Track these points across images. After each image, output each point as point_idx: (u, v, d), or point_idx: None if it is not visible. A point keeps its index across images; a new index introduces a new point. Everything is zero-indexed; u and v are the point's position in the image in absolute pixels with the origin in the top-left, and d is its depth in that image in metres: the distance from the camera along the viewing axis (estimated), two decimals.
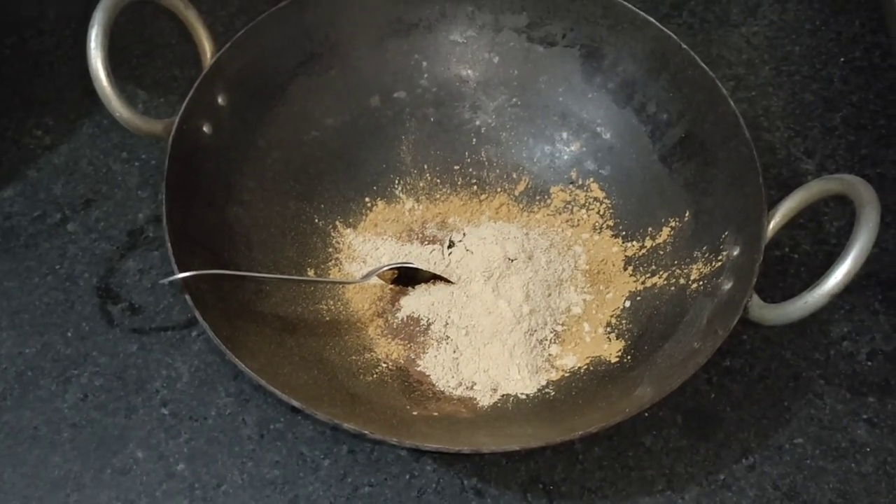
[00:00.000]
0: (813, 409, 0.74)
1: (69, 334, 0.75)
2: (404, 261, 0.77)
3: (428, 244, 0.80)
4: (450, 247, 0.78)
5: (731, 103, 0.74)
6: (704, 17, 0.93)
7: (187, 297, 0.67)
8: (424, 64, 0.84)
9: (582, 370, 0.73)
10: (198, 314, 0.66)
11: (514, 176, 0.83)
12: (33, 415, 0.71)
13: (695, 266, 0.74)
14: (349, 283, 0.77)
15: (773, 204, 0.71)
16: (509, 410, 0.71)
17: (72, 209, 0.80)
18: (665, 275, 0.76)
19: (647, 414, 0.64)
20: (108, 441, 0.71)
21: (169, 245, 0.69)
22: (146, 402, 0.72)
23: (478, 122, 0.85)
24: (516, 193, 0.82)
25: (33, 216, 0.80)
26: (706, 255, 0.74)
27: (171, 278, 0.67)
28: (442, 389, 0.72)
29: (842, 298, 0.65)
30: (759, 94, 0.89)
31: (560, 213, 0.81)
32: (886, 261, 0.80)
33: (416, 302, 0.76)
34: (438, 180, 0.83)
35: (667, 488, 0.70)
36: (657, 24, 0.78)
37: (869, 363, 0.76)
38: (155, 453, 0.70)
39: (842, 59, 0.91)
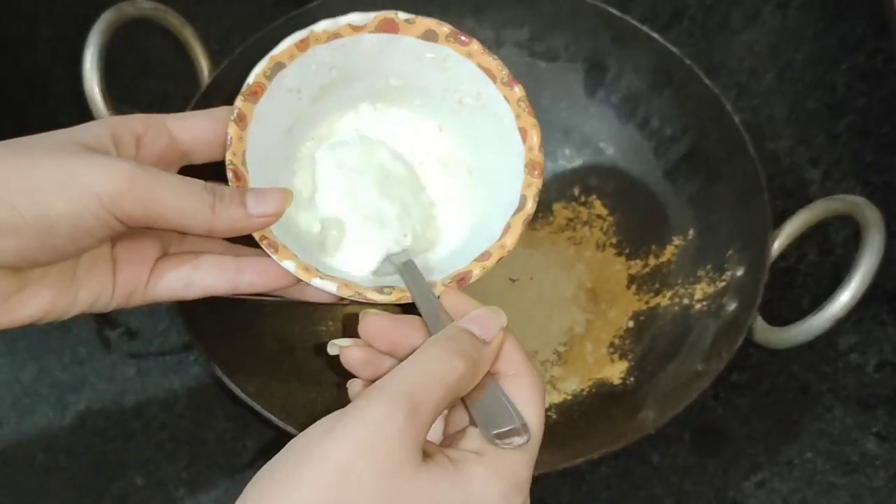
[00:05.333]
0: (822, 424, 0.74)
1: (66, 360, 0.74)
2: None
3: None
4: None
5: (735, 119, 0.73)
6: (705, 24, 0.92)
7: (183, 319, 0.66)
8: None
9: (584, 392, 0.73)
10: (194, 337, 0.66)
11: None
12: (31, 442, 0.71)
13: (699, 285, 0.73)
14: (347, 303, 0.76)
15: (779, 216, 0.70)
16: None
17: None
18: (669, 294, 0.75)
19: (653, 432, 0.64)
20: (107, 467, 0.70)
21: None
22: (145, 428, 0.72)
23: None
24: None
25: None
26: (710, 274, 0.73)
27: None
28: None
29: (849, 310, 0.65)
30: (762, 102, 0.88)
31: (563, 231, 0.80)
32: (893, 271, 0.79)
33: None
34: None
35: None
36: (659, 38, 0.77)
37: (877, 375, 0.76)
38: (154, 479, 0.70)
39: (844, 65, 0.90)
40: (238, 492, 0.69)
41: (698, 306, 0.72)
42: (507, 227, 0.60)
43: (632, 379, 0.72)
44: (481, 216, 0.64)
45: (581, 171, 0.82)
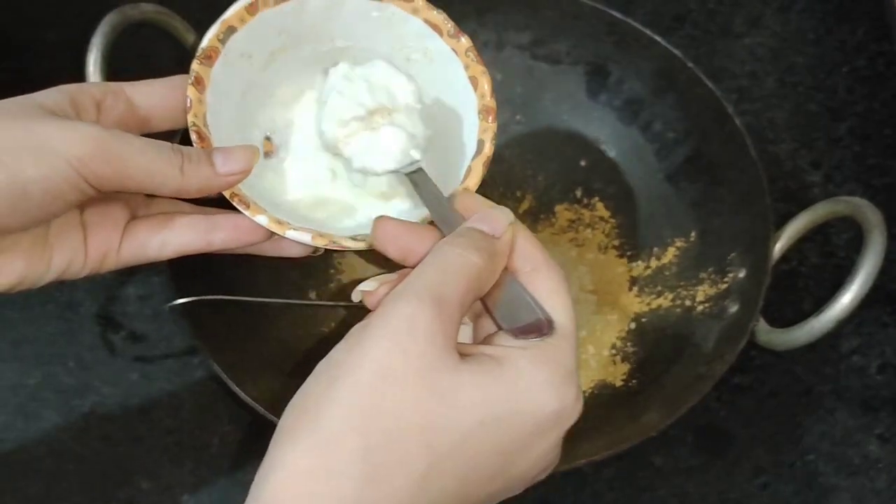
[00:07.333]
0: (824, 425, 0.74)
1: (71, 364, 0.74)
2: None
3: None
4: None
5: (738, 122, 0.74)
6: (707, 28, 0.92)
7: (187, 323, 0.66)
8: None
9: (587, 394, 0.73)
10: (199, 341, 0.66)
11: (518, 194, 0.82)
12: (36, 447, 0.71)
13: (701, 288, 0.73)
14: (352, 305, 0.76)
15: (781, 219, 0.71)
16: None
17: None
18: (671, 296, 0.75)
19: (655, 434, 0.64)
20: (113, 472, 0.70)
21: (170, 270, 0.68)
22: (150, 432, 0.72)
23: None
24: (520, 212, 0.81)
25: None
26: (712, 276, 0.73)
27: (174, 304, 0.66)
28: None
29: (851, 313, 0.65)
30: (764, 105, 0.88)
31: (565, 233, 0.80)
32: (895, 274, 0.79)
33: None
34: None
35: None
36: (662, 42, 0.77)
37: (879, 377, 0.76)
38: (160, 484, 0.70)
39: (846, 69, 0.91)
40: (243, 495, 0.69)
41: (700, 308, 0.73)
42: (469, 171, 0.61)
43: (634, 381, 0.72)
44: (441, 167, 0.65)
45: (583, 173, 0.82)
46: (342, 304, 0.77)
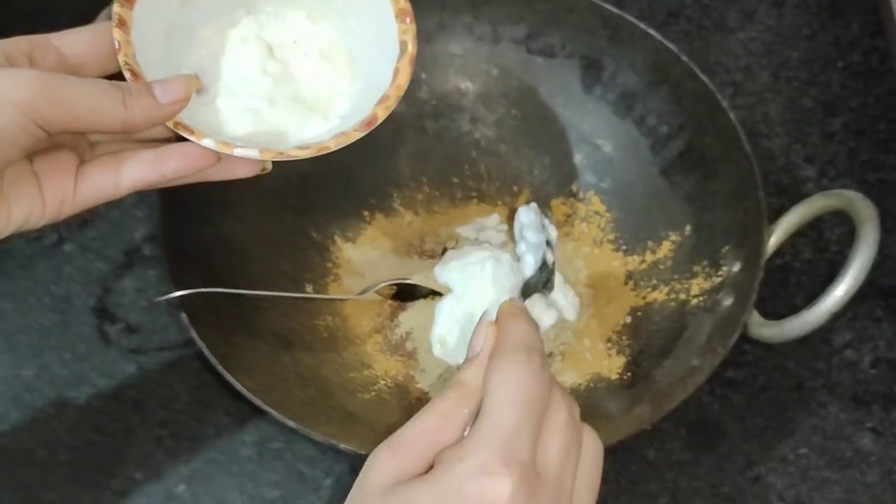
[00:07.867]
0: (816, 419, 0.74)
1: (66, 355, 0.74)
2: (403, 276, 0.77)
3: (427, 258, 0.80)
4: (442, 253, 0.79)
5: (732, 116, 0.74)
6: (701, 23, 0.92)
7: (183, 315, 0.66)
8: (423, 76, 0.83)
9: (582, 387, 0.73)
10: (194, 333, 0.66)
11: (514, 189, 0.83)
12: (30, 437, 0.71)
13: (695, 281, 0.74)
14: (347, 298, 0.76)
15: (774, 214, 0.71)
16: None
17: (68, 229, 0.79)
18: (665, 290, 0.75)
19: (649, 427, 0.64)
20: (107, 463, 0.70)
21: (165, 263, 0.69)
22: (144, 423, 0.72)
23: (477, 135, 0.84)
24: (516, 206, 0.81)
25: (30, 237, 0.79)
26: (706, 269, 0.73)
27: (168, 296, 0.67)
28: None
29: (843, 306, 0.65)
30: (758, 100, 0.89)
31: (560, 227, 0.80)
32: (888, 268, 0.79)
33: (415, 318, 0.76)
34: (437, 193, 0.83)
35: (671, 502, 0.70)
36: (657, 35, 0.77)
37: (872, 371, 0.76)
38: (154, 475, 0.70)
39: (840, 64, 0.91)
40: (237, 487, 0.70)
41: (694, 302, 0.73)
42: (397, 71, 0.62)
43: (629, 374, 0.72)
44: (367, 74, 0.65)
45: (578, 167, 0.82)
46: (337, 297, 0.77)
